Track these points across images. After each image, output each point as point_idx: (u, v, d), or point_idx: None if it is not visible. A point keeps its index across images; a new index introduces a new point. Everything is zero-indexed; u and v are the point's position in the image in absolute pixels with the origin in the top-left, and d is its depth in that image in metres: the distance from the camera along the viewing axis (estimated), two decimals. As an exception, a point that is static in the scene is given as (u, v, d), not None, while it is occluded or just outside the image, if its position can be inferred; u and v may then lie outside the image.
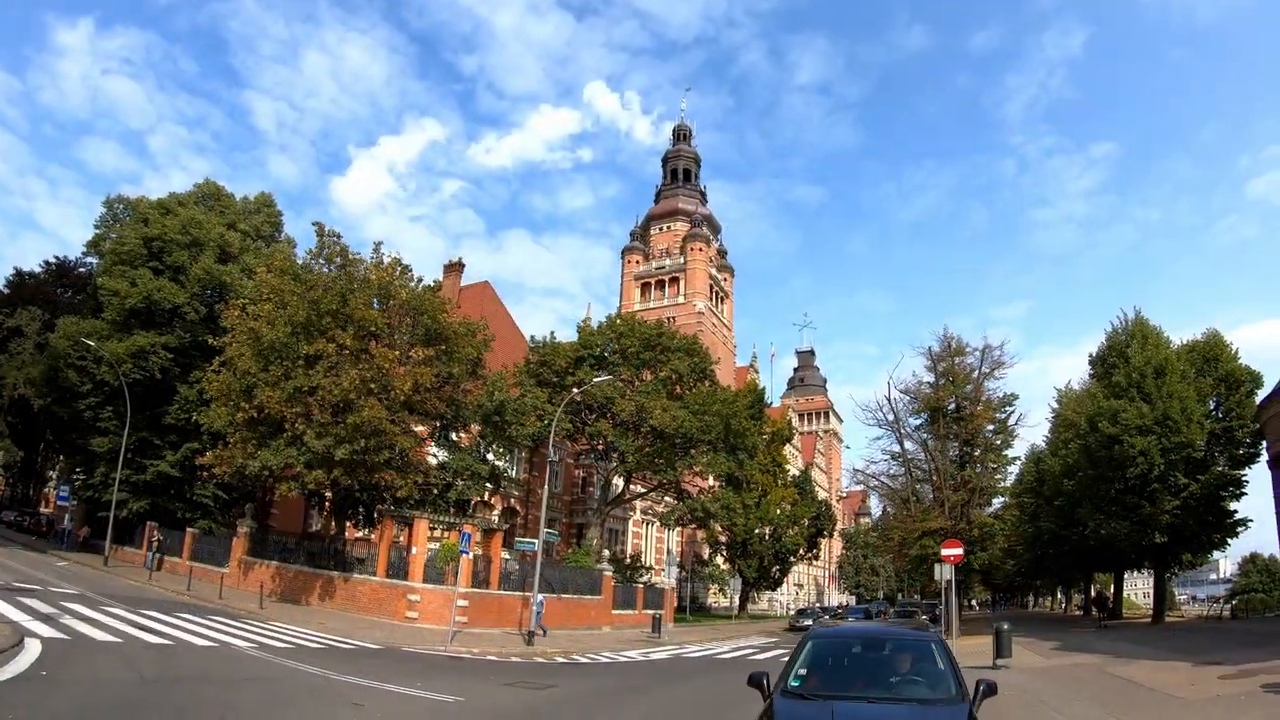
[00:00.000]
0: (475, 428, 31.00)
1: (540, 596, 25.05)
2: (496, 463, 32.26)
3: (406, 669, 15.38)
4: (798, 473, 59.28)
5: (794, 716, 5.93)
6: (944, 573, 28.64)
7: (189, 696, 10.72)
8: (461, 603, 24.25)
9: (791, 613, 52.52)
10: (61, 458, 48.92)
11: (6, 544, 36.43)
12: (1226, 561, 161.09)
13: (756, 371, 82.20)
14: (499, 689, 14.32)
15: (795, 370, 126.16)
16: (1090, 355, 38.06)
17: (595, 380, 30.54)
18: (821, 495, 78.09)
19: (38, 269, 48.02)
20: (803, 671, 6.80)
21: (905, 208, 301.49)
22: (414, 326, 27.62)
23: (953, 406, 34.49)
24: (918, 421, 35.27)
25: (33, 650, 11.89)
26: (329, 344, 24.03)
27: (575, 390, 32.55)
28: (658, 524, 46.83)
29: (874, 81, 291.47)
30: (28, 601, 17.48)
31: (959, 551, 22.34)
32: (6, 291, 45.46)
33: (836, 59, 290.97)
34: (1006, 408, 35.06)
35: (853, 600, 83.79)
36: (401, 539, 27.37)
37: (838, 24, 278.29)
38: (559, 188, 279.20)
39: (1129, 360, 33.49)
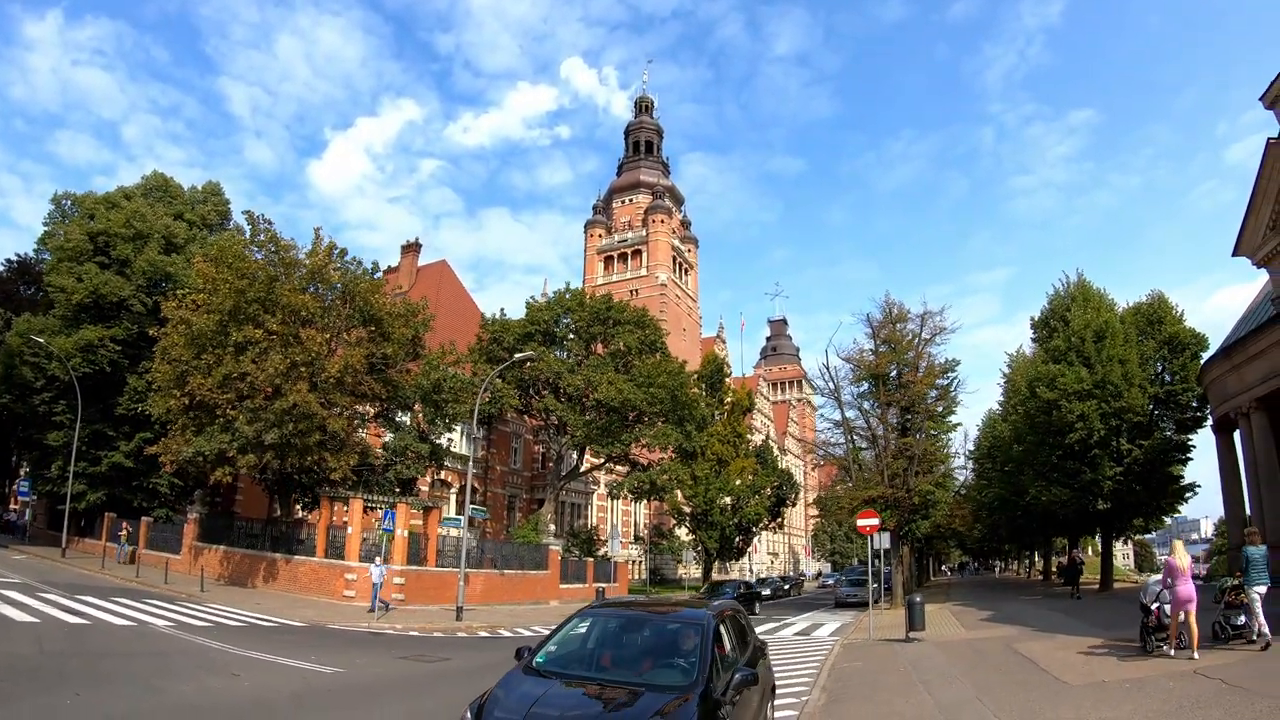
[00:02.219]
0: (418, 407, 31.44)
1: (382, 567, 22.77)
2: (440, 441, 32.67)
3: (313, 644, 15.74)
4: (760, 443, 59.69)
5: (508, 692, 5.77)
6: (882, 541, 29.09)
7: (76, 667, 11.14)
8: (398, 580, 24.82)
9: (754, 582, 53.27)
10: (32, 454, 49.16)
11: (-32, 541, 36.99)
12: (1207, 522, 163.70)
13: (723, 342, 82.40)
14: (392, 662, 14.70)
15: (768, 340, 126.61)
16: (1032, 319, 37.83)
17: (517, 356, 30.91)
18: (789, 464, 78.82)
19: (-1, 267, 48.09)
20: (553, 648, 6.68)
21: (885, 177, 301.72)
22: (349, 310, 27.96)
23: (894, 373, 34.63)
24: (860, 389, 35.31)
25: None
26: (256, 330, 24.39)
27: (500, 368, 32.83)
28: (625, 497, 47.37)
29: (852, 52, 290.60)
30: (-36, 590, 17.93)
31: (875, 522, 22.66)
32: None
33: (815, 29, 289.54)
34: (948, 374, 35.17)
35: (828, 567, 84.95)
36: (341, 520, 27.87)
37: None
38: (538, 165, 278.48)
39: (1069, 324, 33.34)
